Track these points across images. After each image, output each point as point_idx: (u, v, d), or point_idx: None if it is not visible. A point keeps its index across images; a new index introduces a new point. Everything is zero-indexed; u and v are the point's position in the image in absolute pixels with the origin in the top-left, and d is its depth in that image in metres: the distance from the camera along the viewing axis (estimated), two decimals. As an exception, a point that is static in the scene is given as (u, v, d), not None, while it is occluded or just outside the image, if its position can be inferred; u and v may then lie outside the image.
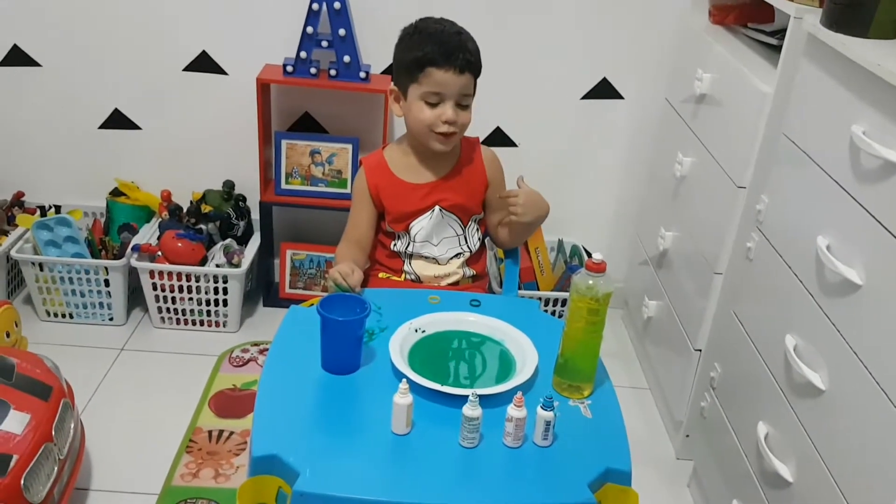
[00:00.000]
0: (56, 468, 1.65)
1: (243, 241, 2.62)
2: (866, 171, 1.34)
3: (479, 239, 1.86)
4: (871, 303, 1.31)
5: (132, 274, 2.49)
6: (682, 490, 2.08)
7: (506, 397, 1.30)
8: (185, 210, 2.61)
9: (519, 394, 1.25)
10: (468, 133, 1.85)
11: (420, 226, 1.79)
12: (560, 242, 2.72)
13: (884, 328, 1.27)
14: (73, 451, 1.76)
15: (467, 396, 1.24)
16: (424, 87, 1.66)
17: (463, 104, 1.69)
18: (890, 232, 1.27)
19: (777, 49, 1.83)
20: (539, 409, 1.26)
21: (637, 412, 2.36)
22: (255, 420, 1.30)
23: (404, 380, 1.27)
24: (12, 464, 1.54)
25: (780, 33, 1.88)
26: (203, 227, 2.54)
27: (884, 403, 1.24)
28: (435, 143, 1.72)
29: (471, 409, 1.24)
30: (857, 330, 1.35)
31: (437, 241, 1.80)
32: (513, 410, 1.25)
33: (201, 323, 2.53)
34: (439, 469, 1.23)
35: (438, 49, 1.65)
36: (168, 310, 2.50)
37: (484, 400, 1.26)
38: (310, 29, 2.34)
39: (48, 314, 2.51)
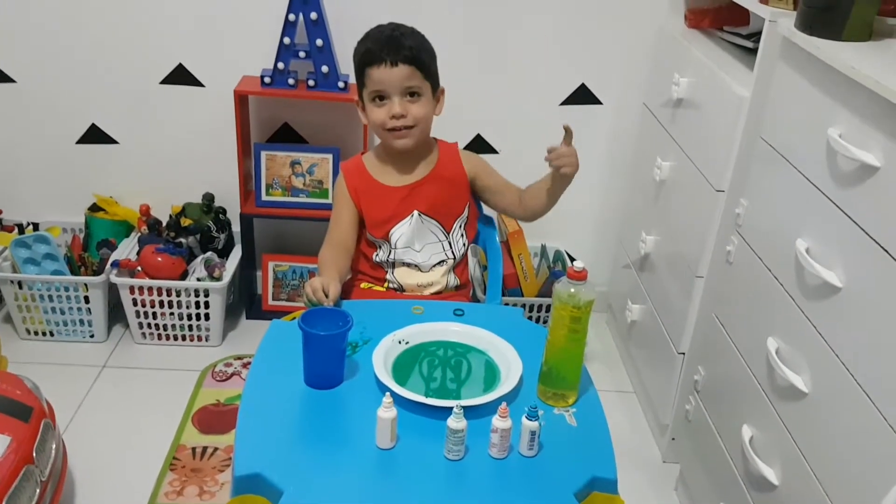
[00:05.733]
0: (38, 490, 1.63)
1: (224, 253, 2.60)
2: (843, 173, 1.35)
3: (464, 244, 1.86)
4: (851, 305, 1.32)
5: (112, 290, 2.47)
6: (668, 494, 2.08)
7: (490, 408, 1.29)
8: (164, 224, 2.59)
9: (503, 404, 1.25)
10: (447, 139, 1.85)
11: (400, 231, 1.79)
12: (543, 248, 2.72)
13: (864, 330, 1.28)
14: (55, 473, 1.74)
15: (452, 408, 1.24)
16: (369, 87, 1.71)
17: (411, 98, 1.70)
18: (868, 234, 1.27)
19: (753, 52, 1.84)
20: (524, 420, 1.25)
21: (623, 416, 2.36)
22: (237, 438, 1.29)
23: (388, 393, 1.27)
24: (-8, 487, 1.51)
25: (756, 36, 1.89)
26: (183, 240, 2.52)
27: (866, 405, 1.25)
28: (394, 142, 1.74)
29: (455, 421, 1.23)
30: (838, 332, 1.35)
31: (419, 247, 1.80)
32: (497, 421, 1.24)
33: (183, 338, 2.51)
34: (425, 483, 1.22)
35: (372, 49, 1.69)
36: (149, 325, 2.48)
37: (468, 411, 1.26)
38: (287, 40, 2.33)
39: (28, 332, 2.48)
